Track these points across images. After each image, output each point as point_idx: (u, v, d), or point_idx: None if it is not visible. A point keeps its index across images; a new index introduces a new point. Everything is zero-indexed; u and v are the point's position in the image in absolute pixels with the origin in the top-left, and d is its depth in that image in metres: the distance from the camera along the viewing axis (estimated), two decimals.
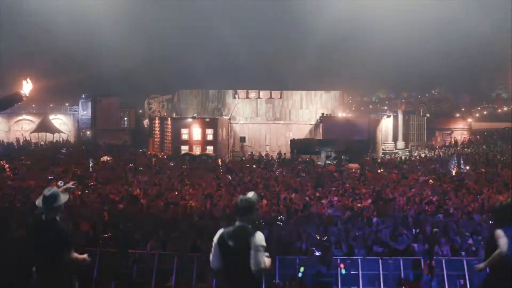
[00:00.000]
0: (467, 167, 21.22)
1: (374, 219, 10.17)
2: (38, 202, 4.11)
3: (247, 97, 40.35)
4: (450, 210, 11.19)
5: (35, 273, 4.09)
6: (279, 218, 10.30)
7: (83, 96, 42.03)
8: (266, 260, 3.53)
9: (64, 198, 4.14)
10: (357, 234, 8.99)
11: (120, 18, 56.87)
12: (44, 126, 38.74)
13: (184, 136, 34.50)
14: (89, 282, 7.28)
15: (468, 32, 58.79)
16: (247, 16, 68.32)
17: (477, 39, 59.94)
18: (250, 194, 3.68)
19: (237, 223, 3.60)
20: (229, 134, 38.09)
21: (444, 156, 29.58)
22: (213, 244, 3.64)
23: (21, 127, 39.65)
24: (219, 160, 27.41)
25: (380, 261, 7.78)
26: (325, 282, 7.53)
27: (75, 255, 4.16)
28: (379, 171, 21.57)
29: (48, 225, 4.04)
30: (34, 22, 55.64)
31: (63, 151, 28.75)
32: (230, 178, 17.60)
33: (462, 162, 21.26)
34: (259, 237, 3.51)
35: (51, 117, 40.51)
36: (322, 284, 7.50)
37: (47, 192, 4.09)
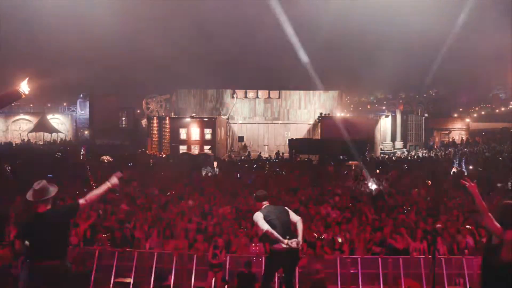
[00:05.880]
0: (471, 167, 21.23)
1: (374, 218, 10.14)
2: (29, 195, 4.12)
3: (246, 97, 40.31)
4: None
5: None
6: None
7: (81, 95, 41.89)
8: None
9: (53, 190, 4.17)
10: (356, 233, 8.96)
11: (119, 18, 56.74)
12: (42, 126, 38.63)
13: (183, 136, 34.46)
14: (88, 281, 7.25)
15: (467, 32, 58.88)
16: (246, 16, 68.31)
17: (476, 39, 60.11)
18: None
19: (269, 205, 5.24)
20: (227, 134, 38.04)
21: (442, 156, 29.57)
22: (259, 216, 4.98)
23: (19, 127, 39.55)
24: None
25: (379, 260, 7.76)
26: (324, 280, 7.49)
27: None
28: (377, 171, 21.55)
29: (49, 211, 4.09)
30: (33, 21, 55.47)
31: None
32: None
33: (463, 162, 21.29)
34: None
35: (49, 116, 40.40)
36: (321, 283, 7.47)
37: (36, 185, 4.09)
